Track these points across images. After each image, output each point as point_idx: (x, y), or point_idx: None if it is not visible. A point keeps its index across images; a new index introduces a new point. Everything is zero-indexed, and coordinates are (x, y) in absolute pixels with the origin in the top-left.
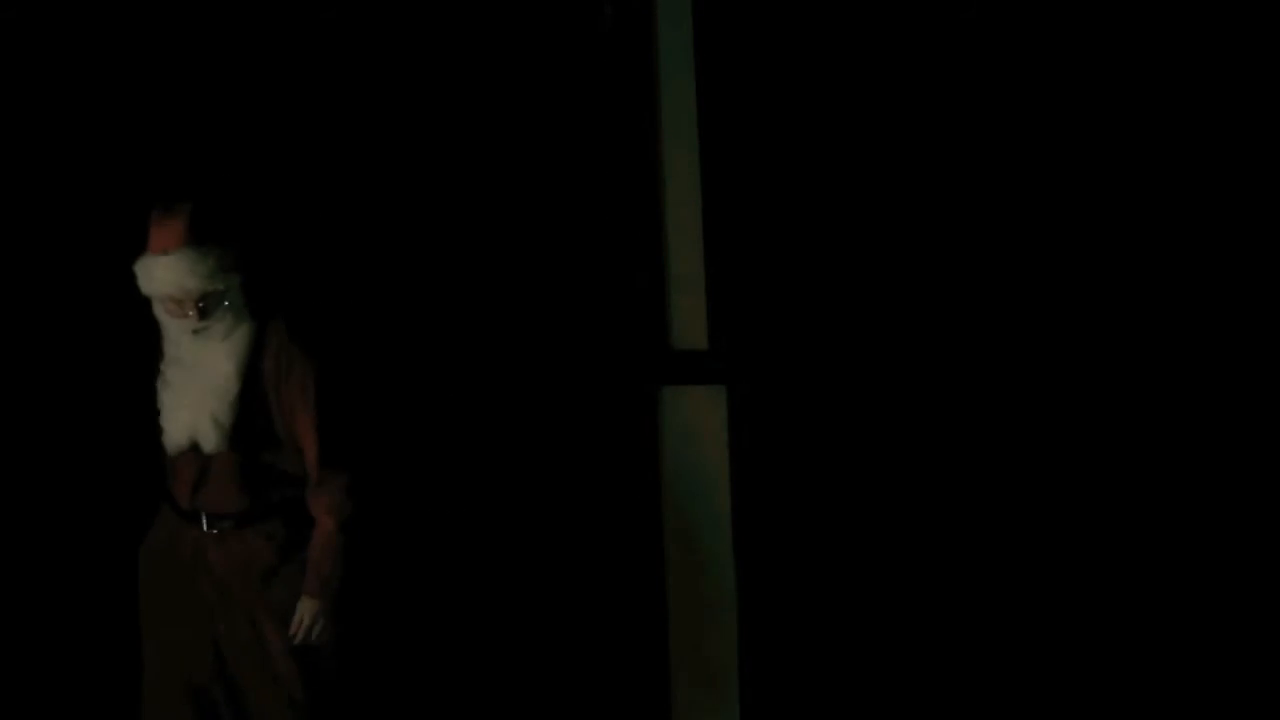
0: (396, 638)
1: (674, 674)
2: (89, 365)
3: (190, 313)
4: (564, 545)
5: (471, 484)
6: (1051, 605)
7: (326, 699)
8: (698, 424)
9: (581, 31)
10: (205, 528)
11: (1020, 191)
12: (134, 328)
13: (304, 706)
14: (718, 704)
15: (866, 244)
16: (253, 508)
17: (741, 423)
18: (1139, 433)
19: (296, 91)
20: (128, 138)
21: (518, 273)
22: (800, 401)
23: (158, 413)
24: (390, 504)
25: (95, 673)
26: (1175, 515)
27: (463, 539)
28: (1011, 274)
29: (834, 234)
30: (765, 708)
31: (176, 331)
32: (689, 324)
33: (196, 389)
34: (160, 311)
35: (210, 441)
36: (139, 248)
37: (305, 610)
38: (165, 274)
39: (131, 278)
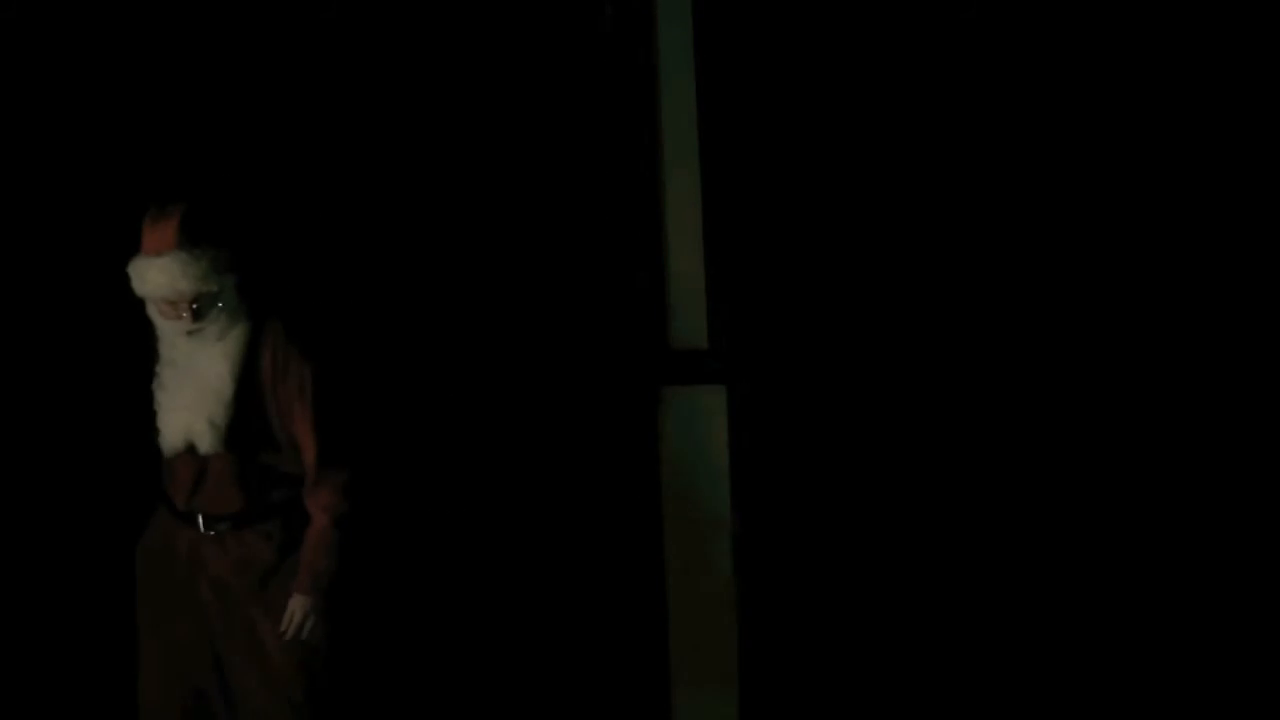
0: (396, 638)
1: (674, 674)
2: (83, 366)
3: (184, 314)
4: (564, 545)
5: (471, 484)
6: (1051, 605)
7: (325, 700)
8: (698, 424)
9: (581, 31)
10: (202, 529)
11: (1020, 192)
12: (128, 328)
13: (302, 707)
14: (718, 704)
15: (866, 243)
16: (250, 508)
17: (741, 423)
18: (1139, 433)
19: (294, 91)
20: (122, 139)
21: (517, 273)
22: (800, 401)
23: (153, 414)
24: (389, 504)
25: (92, 673)
26: (1175, 515)
27: (462, 539)
28: (1011, 274)
29: (834, 233)
30: (765, 708)
31: (170, 333)
32: (689, 323)
33: (192, 390)
34: (154, 313)
35: (206, 443)
36: (132, 249)
37: (296, 606)
38: (158, 276)
39: (125, 279)
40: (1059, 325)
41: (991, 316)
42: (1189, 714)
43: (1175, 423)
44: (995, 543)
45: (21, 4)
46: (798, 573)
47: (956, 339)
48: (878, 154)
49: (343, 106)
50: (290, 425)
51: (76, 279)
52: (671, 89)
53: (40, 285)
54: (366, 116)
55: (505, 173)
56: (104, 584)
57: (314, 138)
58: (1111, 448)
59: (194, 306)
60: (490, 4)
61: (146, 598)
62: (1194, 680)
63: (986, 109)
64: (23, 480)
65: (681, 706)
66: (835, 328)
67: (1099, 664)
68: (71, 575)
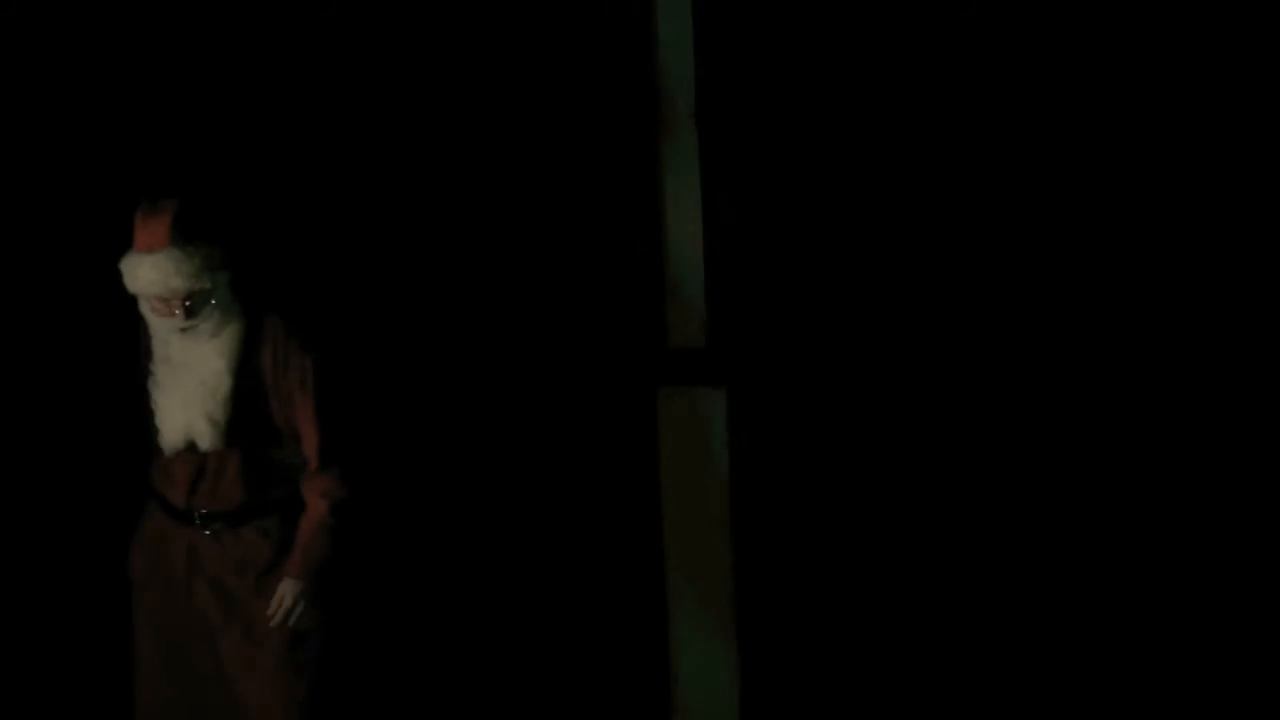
0: (395, 637)
1: (674, 674)
2: (72, 363)
3: (177, 311)
4: (563, 545)
5: (470, 484)
6: (1051, 605)
7: (325, 698)
8: (697, 424)
9: (581, 31)
10: (200, 528)
11: (1020, 192)
12: (117, 325)
13: (303, 705)
14: (718, 704)
15: (865, 243)
16: (248, 505)
17: (740, 423)
18: (1138, 433)
19: (290, 88)
20: (115, 135)
21: (516, 272)
22: (799, 401)
23: (147, 412)
24: (388, 504)
25: (84, 675)
26: (1175, 515)
27: (462, 539)
28: (1011, 273)
29: (833, 233)
30: (765, 708)
31: (164, 330)
32: (687, 322)
33: (189, 388)
34: (146, 310)
35: (206, 439)
36: (125, 245)
37: (287, 591)
38: (150, 273)
39: (116, 275)
40: (1059, 325)
41: (991, 316)
42: (1189, 714)
43: (1175, 423)
44: (995, 541)
45: (17, 1)
46: (797, 572)
47: (956, 338)
48: (877, 154)
49: (339, 103)
50: (292, 416)
51: (67, 275)
52: (671, 88)
53: (31, 281)
54: (363, 114)
55: (504, 172)
56: (93, 584)
57: (310, 134)
58: (1110, 449)
59: (187, 304)
60: (489, 1)
61: (142, 598)
62: (1194, 680)
63: (986, 108)
64: (7, 479)
65: (681, 706)
66: (834, 327)
67: (1099, 664)
68: (57, 576)
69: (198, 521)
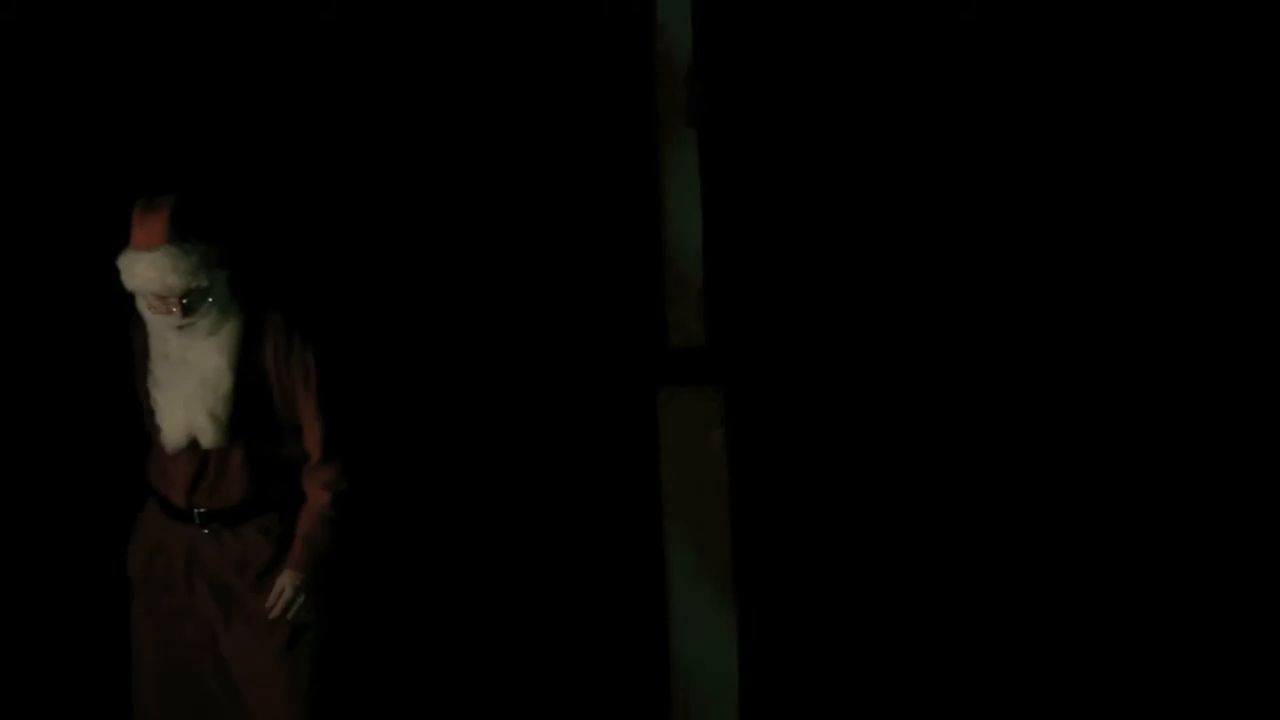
0: (395, 637)
1: (674, 674)
2: (74, 361)
3: (174, 309)
4: (563, 545)
5: (470, 484)
6: (1051, 605)
7: (328, 697)
8: (697, 424)
9: (580, 30)
10: (200, 526)
11: (1020, 192)
12: (111, 323)
13: (305, 699)
14: (718, 704)
15: (865, 242)
16: (249, 503)
17: (741, 422)
18: (1138, 434)
19: (290, 87)
20: (114, 132)
21: (515, 272)
22: (798, 401)
23: (145, 411)
24: (388, 502)
25: (88, 676)
26: (1175, 515)
27: (462, 539)
28: (1010, 273)
29: (832, 233)
30: (765, 708)
31: (161, 327)
32: (687, 322)
33: (190, 385)
34: (143, 307)
35: (209, 436)
36: (122, 242)
37: (287, 583)
38: (148, 270)
39: (113, 272)
40: (1058, 325)
41: (990, 315)
42: (1189, 714)
43: (1174, 423)
44: (995, 541)
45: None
46: (797, 572)
47: (955, 338)
48: (877, 153)
49: (339, 103)
50: (295, 410)
51: (66, 272)
52: (671, 88)
53: (30, 278)
54: (362, 113)
55: (504, 171)
56: (91, 584)
57: (310, 133)
58: (1110, 449)
59: (184, 301)
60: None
61: (140, 599)
62: (1194, 680)
63: (986, 108)
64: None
65: (681, 706)
66: (834, 327)
67: (1099, 663)
68: (57, 576)
69: (197, 520)
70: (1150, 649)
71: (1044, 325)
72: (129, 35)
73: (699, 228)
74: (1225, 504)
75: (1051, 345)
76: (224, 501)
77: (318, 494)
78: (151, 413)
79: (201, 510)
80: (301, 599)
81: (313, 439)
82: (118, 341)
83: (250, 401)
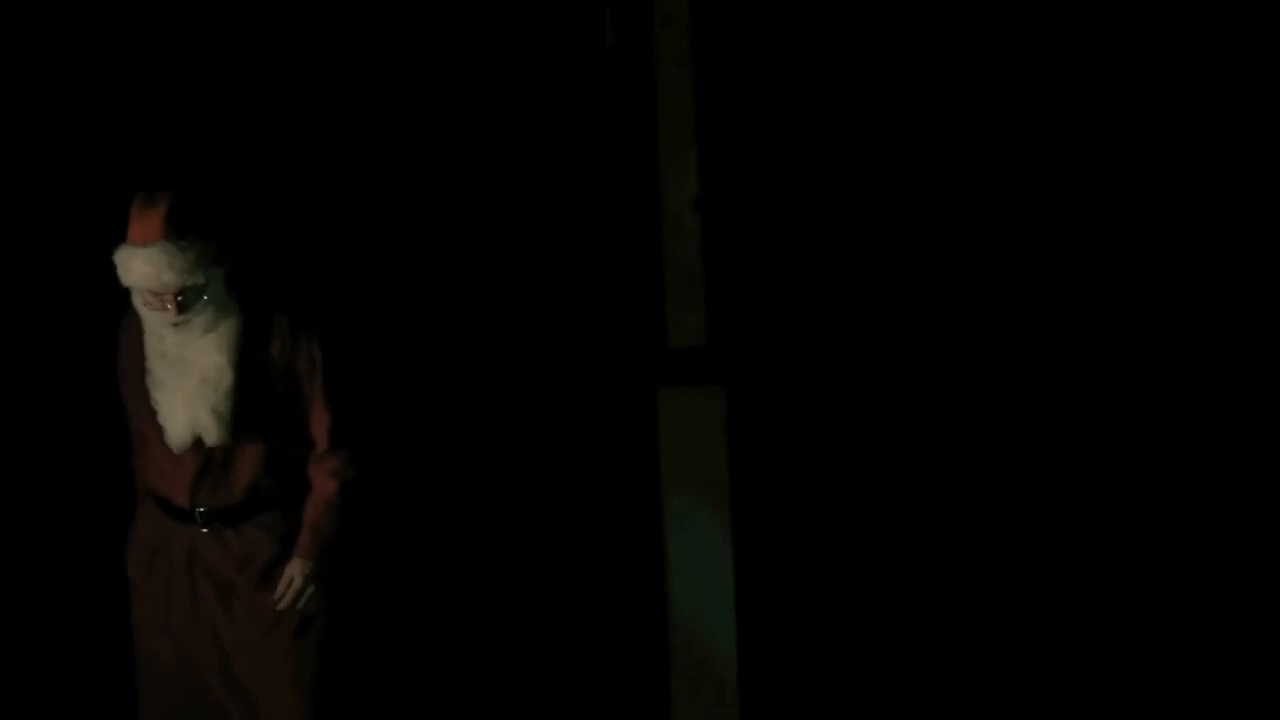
0: (396, 637)
1: (674, 674)
2: (72, 359)
3: (169, 306)
4: (563, 545)
5: (471, 485)
6: (1051, 605)
7: (332, 695)
8: (697, 424)
9: (579, 30)
10: (201, 526)
11: (1020, 192)
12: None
13: (310, 694)
14: (718, 703)
15: (865, 242)
16: (251, 500)
17: (741, 422)
18: (1137, 434)
19: (291, 86)
20: (113, 129)
21: (515, 273)
22: (798, 400)
23: (130, 413)
24: (387, 505)
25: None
26: (1175, 515)
27: (462, 540)
28: (1009, 272)
29: (832, 232)
30: (765, 707)
31: (157, 324)
32: (687, 322)
33: (190, 383)
34: (139, 303)
35: (212, 434)
36: (120, 238)
37: (296, 571)
38: (143, 267)
39: (107, 269)
40: (1058, 324)
41: (989, 315)
42: (1189, 714)
43: (1174, 423)
44: (994, 540)
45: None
46: (798, 572)
47: (954, 337)
48: (877, 153)
49: (338, 104)
50: (302, 403)
51: (65, 270)
52: (669, 87)
53: (28, 276)
54: (362, 114)
55: (503, 171)
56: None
57: (309, 133)
58: (1109, 449)
59: (179, 299)
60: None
61: (142, 600)
62: (1194, 680)
63: (985, 108)
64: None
65: (681, 706)
66: (833, 327)
67: (1099, 663)
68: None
69: (198, 520)
70: (1150, 648)
71: (1045, 325)
72: (128, 34)
73: (699, 228)
74: (1225, 504)
75: (1053, 344)
76: (227, 499)
77: (325, 482)
78: (139, 415)
79: (203, 509)
80: (311, 588)
81: (320, 428)
82: (115, 339)
83: (253, 397)
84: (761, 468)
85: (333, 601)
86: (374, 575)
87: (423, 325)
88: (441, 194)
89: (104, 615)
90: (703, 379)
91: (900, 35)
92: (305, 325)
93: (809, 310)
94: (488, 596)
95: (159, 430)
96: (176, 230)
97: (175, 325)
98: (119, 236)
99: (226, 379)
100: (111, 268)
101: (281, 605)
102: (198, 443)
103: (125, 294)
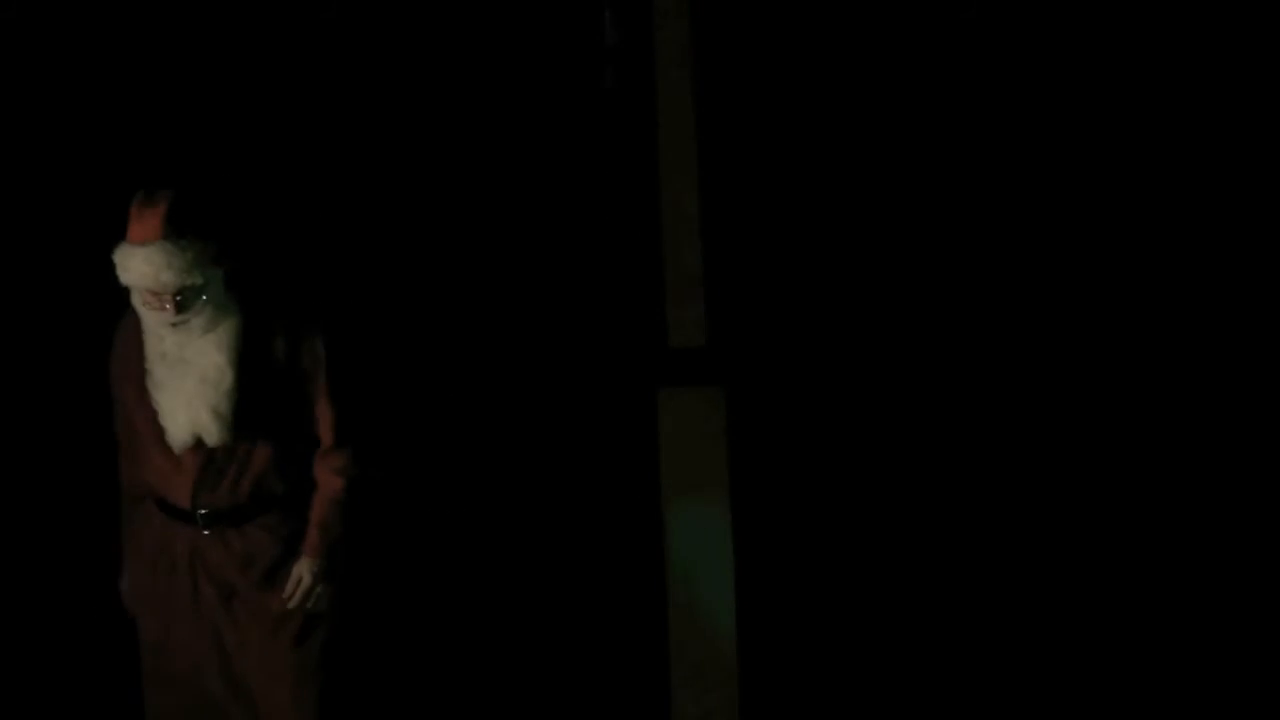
0: (396, 638)
1: (674, 673)
2: (72, 358)
3: (167, 306)
4: (563, 545)
5: (471, 485)
6: (1051, 601)
7: (336, 696)
8: (697, 424)
9: (579, 30)
10: (203, 528)
11: (1020, 191)
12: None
13: (316, 696)
14: (717, 703)
15: (864, 242)
16: (252, 501)
17: (741, 422)
18: (1137, 434)
19: (292, 86)
20: (115, 129)
21: (515, 273)
22: (798, 400)
23: (123, 418)
24: (387, 505)
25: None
26: (1175, 515)
27: (462, 540)
28: (1008, 272)
29: (832, 232)
30: (765, 708)
31: (155, 324)
32: (687, 322)
33: (190, 384)
34: (138, 302)
35: (213, 435)
36: (120, 237)
37: (304, 569)
38: (142, 266)
39: (110, 267)
40: (1058, 324)
41: (988, 315)
42: (1189, 714)
43: (1174, 423)
44: (994, 540)
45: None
46: (798, 572)
47: (953, 337)
48: (876, 153)
49: (338, 105)
50: (306, 401)
51: (64, 268)
52: (669, 87)
53: (28, 274)
54: (362, 114)
55: (503, 171)
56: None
57: (310, 133)
58: (1109, 449)
59: (177, 299)
60: (491, 6)
61: (143, 601)
62: (1194, 680)
63: (985, 108)
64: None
65: (681, 706)
66: (833, 327)
67: (1099, 663)
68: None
69: (199, 522)
70: (1150, 648)
71: (1045, 324)
72: (128, 34)
73: (699, 228)
74: (1224, 504)
75: (1053, 344)
76: (229, 500)
77: (331, 479)
78: (139, 417)
79: (205, 511)
80: (320, 587)
81: (325, 425)
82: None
83: (254, 397)
84: (762, 468)
85: (338, 602)
86: (373, 575)
87: (423, 326)
88: (442, 196)
89: (107, 615)
90: (703, 379)
91: (900, 35)
92: (307, 324)
93: (809, 310)
94: (488, 596)
95: (160, 431)
96: (176, 229)
97: (174, 325)
98: (118, 235)
99: (227, 379)
100: (111, 267)
101: (291, 605)
102: (199, 443)
103: (125, 294)
